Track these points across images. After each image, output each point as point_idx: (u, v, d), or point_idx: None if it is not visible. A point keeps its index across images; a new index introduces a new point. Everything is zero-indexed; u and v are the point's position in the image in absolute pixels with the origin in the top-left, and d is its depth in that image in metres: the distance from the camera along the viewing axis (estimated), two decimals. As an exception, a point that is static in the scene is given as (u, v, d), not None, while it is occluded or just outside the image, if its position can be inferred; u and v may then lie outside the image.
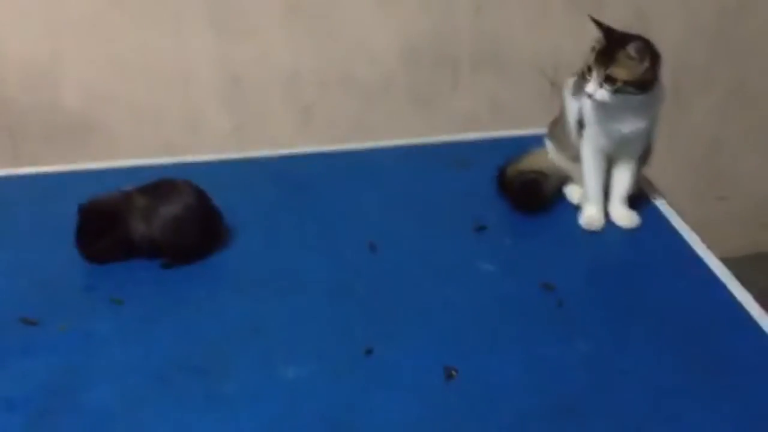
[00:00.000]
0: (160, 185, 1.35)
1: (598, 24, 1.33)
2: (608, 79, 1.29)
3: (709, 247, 1.37)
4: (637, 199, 1.47)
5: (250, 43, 2.18)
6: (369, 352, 1.14)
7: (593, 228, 1.42)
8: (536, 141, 1.56)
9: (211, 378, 1.11)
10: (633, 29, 1.36)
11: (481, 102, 2.32)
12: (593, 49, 1.32)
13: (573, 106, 1.43)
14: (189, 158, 1.76)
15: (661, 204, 1.49)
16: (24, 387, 1.09)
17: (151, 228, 1.31)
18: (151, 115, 2.21)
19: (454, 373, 1.11)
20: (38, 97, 2.15)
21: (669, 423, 1.04)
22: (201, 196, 1.35)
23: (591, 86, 1.31)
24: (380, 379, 1.10)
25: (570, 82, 1.44)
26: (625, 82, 1.29)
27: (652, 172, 1.56)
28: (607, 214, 1.43)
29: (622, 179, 1.43)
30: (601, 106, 1.33)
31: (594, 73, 1.30)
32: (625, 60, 1.29)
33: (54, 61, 2.12)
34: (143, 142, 2.21)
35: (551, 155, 1.50)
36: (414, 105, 2.31)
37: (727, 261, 1.33)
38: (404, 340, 1.17)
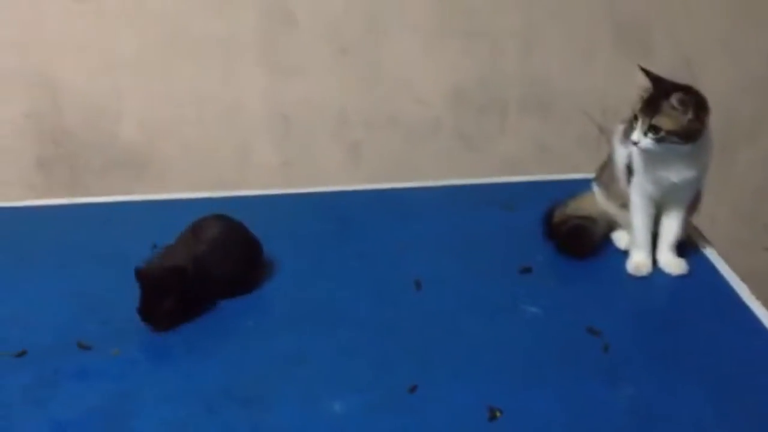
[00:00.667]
0: (198, 224, 1.40)
1: (647, 73, 1.34)
2: (652, 129, 1.30)
3: (757, 297, 1.36)
4: (685, 247, 1.47)
5: (300, 82, 2.23)
6: (413, 389, 1.15)
7: (640, 274, 1.42)
8: (582, 185, 1.56)
9: (256, 409, 1.13)
10: (680, 77, 1.37)
11: (527, 145, 2.33)
12: (642, 97, 1.33)
13: (622, 153, 1.43)
14: (238, 192, 1.80)
15: (709, 252, 1.49)
16: (77, 410, 1.12)
17: (199, 250, 1.33)
18: (203, 150, 2.26)
19: (498, 414, 1.11)
20: (97, 130, 2.21)
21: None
22: (240, 225, 1.41)
23: (636, 134, 1.32)
24: (424, 416, 1.11)
25: (619, 128, 1.45)
26: (669, 132, 1.30)
27: (699, 220, 1.56)
28: (654, 261, 1.43)
29: (671, 226, 1.43)
30: (649, 154, 1.34)
31: (639, 122, 1.31)
32: (670, 110, 1.30)
33: (113, 95, 2.19)
34: (195, 176, 2.25)
35: (599, 200, 1.51)
36: (460, 147, 2.33)
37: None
38: (448, 379, 1.18)
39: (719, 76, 2.26)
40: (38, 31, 2.11)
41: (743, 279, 1.42)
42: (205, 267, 1.31)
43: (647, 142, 1.31)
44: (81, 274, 1.44)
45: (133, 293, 1.34)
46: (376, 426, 1.10)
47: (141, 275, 1.26)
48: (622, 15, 2.23)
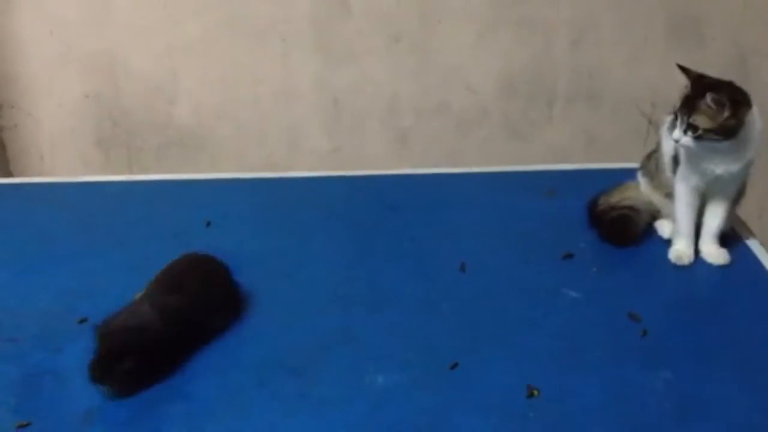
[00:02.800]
0: (169, 270, 1.28)
1: (685, 71, 1.36)
2: (690, 127, 1.32)
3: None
4: (728, 238, 1.48)
5: (352, 68, 2.27)
6: (454, 366, 1.19)
7: (682, 263, 1.43)
8: (627, 175, 1.58)
9: (304, 379, 1.18)
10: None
11: (575, 136, 2.35)
12: (682, 95, 1.35)
13: (669, 144, 1.44)
14: (288, 174, 1.85)
15: (752, 243, 1.49)
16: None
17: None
18: (256, 132, 2.33)
19: (535, 392, 1.14)
20: (154, 110, 2.29)
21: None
22: (209, 260, 1.30)
23: (677, 133, 1.34)
24: (463, 392, 1.15)
25: (667, 120, 1.46)
26: (706, 131, 1.32)
27: (746, 213, 1.56)
28: (697, 251, 1.45)
29: (715, 217, 1.44)
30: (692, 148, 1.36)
31: (678, 120, 1.33)
32: (706, 109, 1.31)
33: (170, 78, 2.26)
34: (247, 158, 2.32)
35: (643, 190, 1.53)
36: (508, 136, 2.35)
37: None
38: (489, 358, 1.22)
39: (771, 71, 2.25)
40: (104, 14, 2.19)
41: (791, 273, 1.42)
42: (178, 320, 1.18)
43: (687, 139, 1.33)
44: (138, 248, 1.50)
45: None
46: (417, 400, 1.14)
47: (99, 335, 1.14)
48: (676, 8, 2.22)
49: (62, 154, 2.34)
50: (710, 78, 1.35)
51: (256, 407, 1.13)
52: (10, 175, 2.33)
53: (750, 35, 2.25)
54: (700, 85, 1.33)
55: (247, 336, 1.27)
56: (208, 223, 1.50)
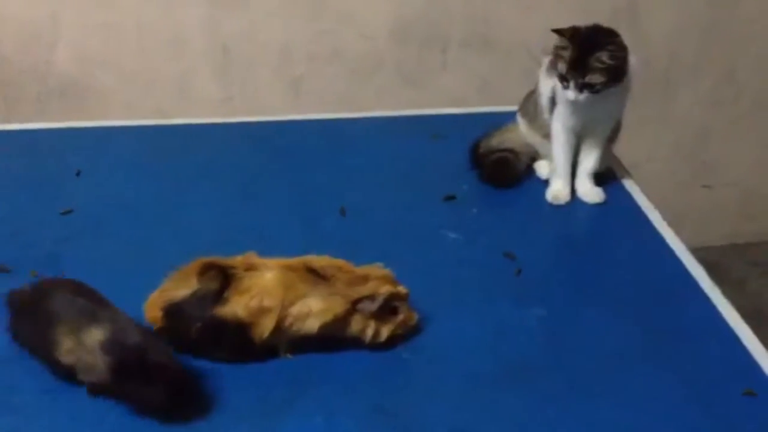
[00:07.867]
0: None
1: (561, 33, 1.36)
2: (587, 86, 1.34)
3: (690, 233, 1.41)
4: (605, 177, 1.51)
5: (242, 14, 2.21)
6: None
7: (559, 202, 1.46)
8: (514, 117, 1.59)
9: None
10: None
11: (469, 81, 2.35)
12: (557, 49, 1.36)
13: (547, 85, 1.46)
14: (177, 121, 1.79)
15: (626, 182, 1.53)
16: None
17: None
18: (143, 81, 2.25)
19: (410, 330, 1.15)
20: (33, 58, 2.18)
21: (618, 384, 1.09)
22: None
23: (572, 93, 1.35)
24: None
25: (544, 61, 1.47)
26: (603, 84, 1.34)
27: (638, 158, 1.59)
28: (573, 190, 1.47)
29: (590, 156, 1.46)
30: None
31: (572, 83, 1.34)
32: (598, 65, 1.33)
33: (50, 23, 2.15)
34: (134, 108, 2.24)
35: (522, 131, 1.54)
36: (402, 83, 2.34)
37: (707, 249, 1.36)
38: (367, 300, 1.21)
39: (662, 17, 2.28)
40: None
41: (680, 216, 1.46)
42: None
43: (584, 96, 1.35)
44: (8, 199, 1.43)
45: (55, 218, 1.34)
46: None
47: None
48: (567, -47, 2.23)
49: (-66, 105, 2.22)
50: (582, 30, 1.36)
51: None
52: None
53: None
54: (581, 45, 1.34)
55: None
56: (78, 173, 1.44)
